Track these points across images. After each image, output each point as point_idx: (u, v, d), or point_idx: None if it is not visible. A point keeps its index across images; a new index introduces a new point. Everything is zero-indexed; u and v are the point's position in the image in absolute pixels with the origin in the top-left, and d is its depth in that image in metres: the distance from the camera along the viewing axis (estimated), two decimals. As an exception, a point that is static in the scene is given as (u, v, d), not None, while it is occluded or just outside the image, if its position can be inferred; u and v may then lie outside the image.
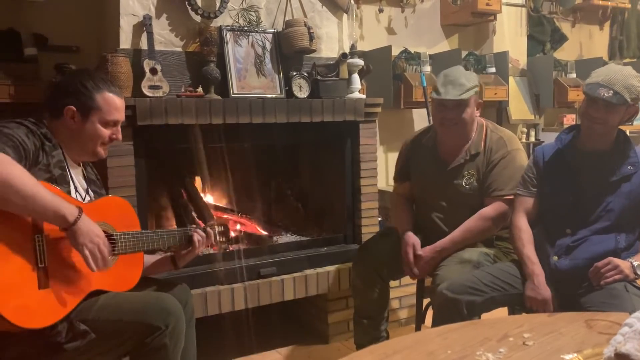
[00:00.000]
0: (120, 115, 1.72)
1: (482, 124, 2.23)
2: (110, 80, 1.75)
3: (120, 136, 1.74)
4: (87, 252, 1.47)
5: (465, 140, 2.20)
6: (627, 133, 1.99)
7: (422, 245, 2.21)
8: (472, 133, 2.20)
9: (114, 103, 1.69)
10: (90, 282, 1.57)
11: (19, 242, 1.41)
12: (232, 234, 2.07)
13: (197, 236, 1.84)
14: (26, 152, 1.47)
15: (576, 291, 1.82)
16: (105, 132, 1.68)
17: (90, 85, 1.65)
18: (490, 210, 2.14)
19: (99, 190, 1.81)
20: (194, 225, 2.04)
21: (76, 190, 1.66)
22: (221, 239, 1.99)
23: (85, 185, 1.74)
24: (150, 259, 1.88)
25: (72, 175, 1.67)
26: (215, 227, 1.96)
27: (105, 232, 1.61)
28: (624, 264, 1.76)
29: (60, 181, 1.59)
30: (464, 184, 2.18)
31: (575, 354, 1.23)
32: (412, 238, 2.20)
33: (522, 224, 1.99)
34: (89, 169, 1.82)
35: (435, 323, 1.93)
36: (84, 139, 1.66)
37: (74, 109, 1.63)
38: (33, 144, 1.51)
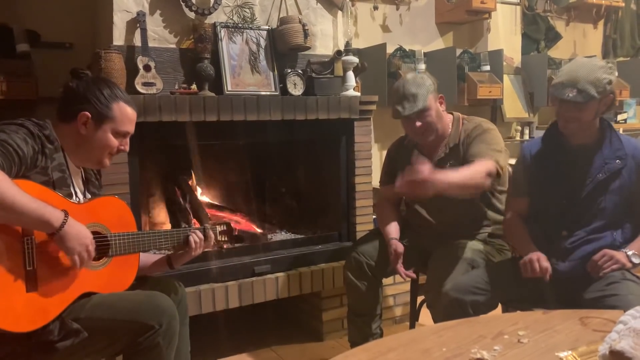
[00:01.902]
0: (132, 128, 1.71)
1: (458, 118, 2.25)
2: (125, 91, 1.74)
3: (127, 148, 1.72)
4: (75, 257, 1.46)
5: (442, 137, 2.21)
6: (620, 131, 1.98)
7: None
8: (447, 129, 2.21)
9: (128, 114, 1.68)
10: (81, 285, 1.55)
11: (7, 245, 1.39)
12: (235, 232, 2.04)
13: (194, 237, 1.82)
14: (21, 157, 1.44)
15: (576, 290, 1.83)
16: (115, 142, 1.66)
17: (107, 94, 1.63)
18: (476, 163, 2.02)
19: (97, 191, 1.79)
20: (192, 227, 2.00)
21: (75, 194, 1.64)
22: (223, 239, 1.98)
23: (83, 188, 1.72)
24: (145, 259, 1.86)
25: (73, 181, 1.65)
26: (217, 227, 1.95)
27: (99, 232, 1.59)
28: (618, 254, 1.78)
29: (60, 184, 1.56)
30: None
31: (570, 352, 1.23)
32: (394, 245, 2.19)
33: (515, 220, 2.01)
34: (88, 169, 1.80)
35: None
36: (93, 146, 1.64)
37: (89, 115, 1.60)
38: (31, 147, 1.48)
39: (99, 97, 1.62)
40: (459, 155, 2.17)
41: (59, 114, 1.64)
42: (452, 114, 2.27)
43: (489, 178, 2.01)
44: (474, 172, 1.96)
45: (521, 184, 2.01)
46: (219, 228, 1.96)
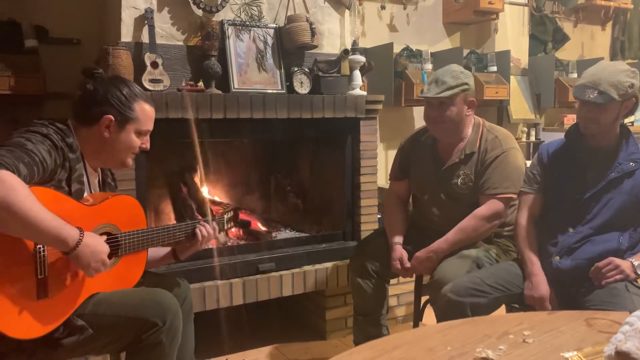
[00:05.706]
0: (152, 125, 1.70)
1: (479, 123, 2.23)
2: (142, 88, 1.72)
3: (148, 145, 1.71)
4: (92, 272, 1.46)
5: (459, 139, 2.20)
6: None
7: (420, 243, 2.21)
8: (466, 132, 2.20)
9: (149, 113, 1.67)
10: (90, 287, 1.55)
11: (20, 253, 1.37)
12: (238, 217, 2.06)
13: (202, 231, 1.81)
14: (45, 169, 1.42)
15: (578, 290, 1.82)
16: (138, 142, 1.66)
17: (127, 94, 1.62)
18: (484, 209, 2.12)
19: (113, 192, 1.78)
20: (200, 219, 1.99)
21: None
22: (229, 226, 1.98)
23: (99, 191, 1.71)
24: (152, 252, 1.85)
25: (90, 186, 1.64)
26: (224, 215, 1.94)
27: (109, 233, 1.59)
28: (624, 264, 1.76)
29: (77, 197, 1.54)
30: (459, 183, 2.18)
31: (575, 352, 1.23)
32: (399, 252, 2.20)
33: (526, 222, 2.00)
34: (106, 170, 1.80)
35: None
36: (116, 149, 1.63)
37: (112, 118, 1.59)
38: (54, 161, 1.46)
39: (120, 98, 1.60)
40: (474, 165, 2.16)
41: (78, 117, 1.61)
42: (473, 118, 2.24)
43: (495, 218, 2.12)
44: (474, 221, 2.11)
45: (535, 181, 2.01)
46: (226, 216, 1.95)
